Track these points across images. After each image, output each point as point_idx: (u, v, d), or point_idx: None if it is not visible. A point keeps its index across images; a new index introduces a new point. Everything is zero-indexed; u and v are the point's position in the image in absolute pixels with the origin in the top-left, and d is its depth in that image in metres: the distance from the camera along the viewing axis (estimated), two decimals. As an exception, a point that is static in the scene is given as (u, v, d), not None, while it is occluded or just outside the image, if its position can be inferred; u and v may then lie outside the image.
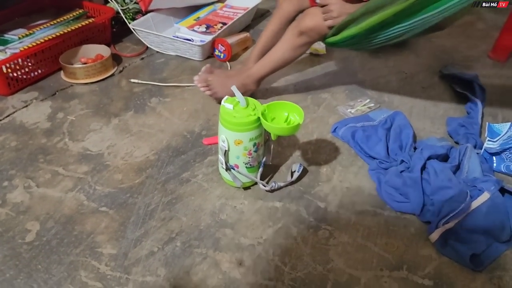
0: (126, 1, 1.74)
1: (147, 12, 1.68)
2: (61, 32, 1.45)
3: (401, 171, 1.05)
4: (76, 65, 1.42)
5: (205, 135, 1.22)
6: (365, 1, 1.09)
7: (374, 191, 1.06)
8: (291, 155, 1.17)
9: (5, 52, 1.37)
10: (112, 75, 1.48)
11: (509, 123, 1.16)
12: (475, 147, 1.14)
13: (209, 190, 1.05)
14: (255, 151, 0.99)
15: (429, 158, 1.06)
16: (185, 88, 1.42)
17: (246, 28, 1.82)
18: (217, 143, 1.01)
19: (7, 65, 1.31)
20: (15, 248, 0.90)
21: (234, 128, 0.94)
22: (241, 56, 1.63)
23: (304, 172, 1.11)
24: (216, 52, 1.58)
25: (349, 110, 1.32)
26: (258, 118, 0.94)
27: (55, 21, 1.51)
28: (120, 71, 1.51)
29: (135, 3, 1.71)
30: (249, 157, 0.99)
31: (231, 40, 1.57)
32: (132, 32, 1.63)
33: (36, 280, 0.85)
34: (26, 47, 1.36)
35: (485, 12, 2.00)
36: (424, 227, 0.98)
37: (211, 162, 1.13)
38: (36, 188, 1.04)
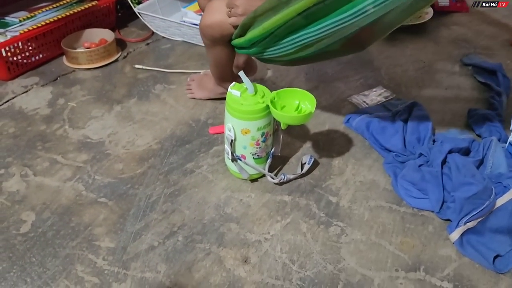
0: (132, -16, 1.69)
1: (153, -5, 1.63)
2: (63, 15, 1.41)
3: (420, 165, 0.98)
4: (78, 50, 1.37)
5: (211, 124, 1.17)
6: None
7: (389, 186, 1.00)
8: (301, 147, 1.11)
9: (5, 35, 1.33)
10: (116, 60, 1.43)
11: (536, 115, 1.08)
12: (499, 140, 1.07)
13: (214, 182, 1.00)
14: (263, 141, 0.94)
15: (450, 151, 0.99)
16: (191, 75, 1.37)
17: (256, 14, 1.76)
18: (223, 132, 0.96)
19: (7, 48, 1.27)
20: (9, 239, 0.86)
21: (241, 116, 0.89)
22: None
23: (315, 164, 1.05)
24: (225, 38, 1.52)
25: (363, 100, 1.26)
26: (267, 106, 0.89)
27: (57, 4, 1.47)
28: (124, 57, 1.46)
29: (141, -14, 1.66)
30: (257, 148, 0.94)
31: (240, 25, 1.51)
32: (137, 17, 1.58)
33: (30, 273, 0.80)
34: (26, 30, 1.32)
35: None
36: (444, 225, 0.91)
37: (217, 152, 1.08)
38: (33, 177, 1.00)
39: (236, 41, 0.99)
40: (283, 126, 0.92)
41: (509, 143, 1.05)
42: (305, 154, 1.03)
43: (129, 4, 1.60)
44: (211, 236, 0.88)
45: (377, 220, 0.93)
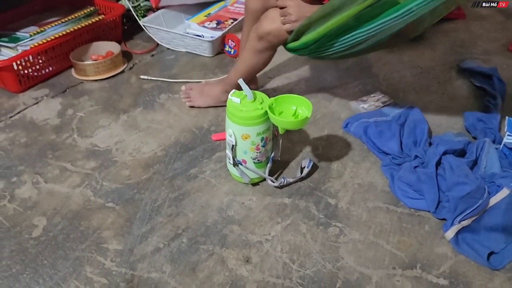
0: (137, -1, 1.75)
1: (158, 8, 1.68)
2: (72, 29, 1.45)
3: (415, 167, 1.01)
4: (86, 62, 1.42)
5: (214, 131, 1.21)
6: (323, 3, 1.02)
7: (387, 188, 1.03)
8: (301, 151, 1.14)
9: (17, 49, 1.38)
10: (122, 72, 1.47)
11: (530, 117, 1.11)
12: (494, 142, 1.10)
13: (216, 186, 1.04)
14: (263, 146, 0.97)
15: (444, 153, 1.02)
16: (186, 84, 1.40)
17: (257, 24, 1.80)
18: (225, 139, 0.99)
19: (18, 62, 1.32)
20: (22, 243, 0.90)
21: (241, 122, 0.92)
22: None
23: (315, 168, 1.08)
24: (226, 48, 1.56)
25: (361, 106, 1.29)
26: (266, 112, 0.92)
27: (66, 19, 1.51)
28: (130, 68, 1.50)
29: (146, 0, 1.71)
30: (257, 152, 0.97)
31: (242, 35, 1.55)
32: (143, 29, 1.63)
33: (42, 275, 0.84)
34: (37, 44, 1.36)
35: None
36: (439, 224, 0.94)
37: (219, 158, 1.11)
38: (44, 184, 1.04)
39: (291, 45, 1.08)
40: (281, 131, 0.95)
41: (504, 144, 1.08)
42: (305, 158, 1.06)
43: (135, 17, 1.65)
44: (214, 238, 0.91)
45: (375, 220, 0.95)
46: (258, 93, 0.96)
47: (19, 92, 1.36)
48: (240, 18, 1.65)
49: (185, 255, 0.88)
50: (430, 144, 1.10)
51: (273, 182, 1.01)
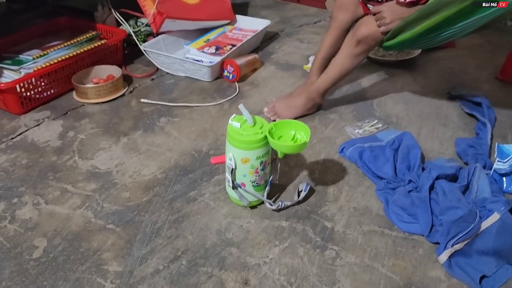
0: (138, 24, 1.79)
1: (158, 34, 1.72)
2: (74, 53, 1.49)
3: (409, 191, 1.04)
4: (87, 85, 1.45)
5: (213, 154, 1.23)
6: (420, 4, 1.14)
7: (381, 211, 1.05)
8: (298, 175, 1.17)
9: (19, 72, 1.41)
10: (123, 95, 1.50)
11: (519, 144, 1.15)
12: (484, 167, 1.13)
13: (215, 209, 1.05)
14: (262, 170, 1.00)
15: (437, 178, 1.05)
16: (194, 108, 1.44)
17: (255, 50, 1.85)
18: (224, 162, 1.02)
19: (21, 84, 1.35)
20: (22, 264, 0.91)
21: (241, 146, 0.95)
22: (250, 78, 1.65)
23: (311, 191, 1.10)
24: (225, 73, 1.60)
25: (356, 131, 1.32)
26: (265, 137, 0.95)
27: (69, 42, 1.55)
28: (131, 92, 1.53)
29: (146, 25, 1.76)
30: (256, 176, 1.00)
31: (240, 61, 1.60)
32: (143, 54, 1.66)
33: (42, 297, 0.85)
34: (39, 67, 1.39)
35: (493, 34, 2.00)
36: (433, 248, 0.96)
37: (218, 181, 1.13)
38: (45, 205, 1.06)
39: (387, 43, 1.24)
40: (280, 155, 0.98)
41: (494, 170, 1.12)
42: (302, 182, 1.09)
43: (136, 42, 1.69)
44: (213, 260, 0.93)
45: (370, 244, 0.97)
46: (258, 118, 0.99)
47: (21, 114, 1.39)
48: (238, 45, 1.70)
49: (185, 277, 0.89)
50: (423, 169, 1.13)
51: (271, 205, 1.03)
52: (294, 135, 0.99)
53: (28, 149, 1.24)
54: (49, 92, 1.45)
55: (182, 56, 1.66)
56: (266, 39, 1.97)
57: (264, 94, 1.54)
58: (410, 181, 1.07)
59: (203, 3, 1.84)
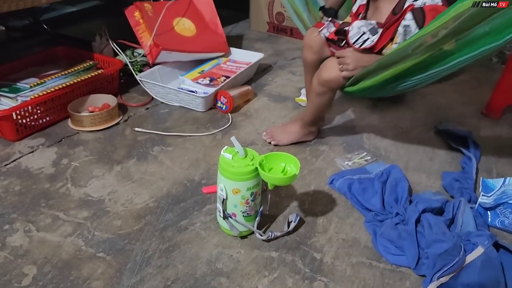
0: (134, 54, 1.84)
1: (154, 64, 1.77)
2: (71, 82, 1.51)
3: (396, 224, 1.06)
4: (83, 114, 1.47)
5: (205, 184, 1.25)
6: (374, 52, 1.18)
7: (370, 243, 1.07)
8: (288, 206, 1.19)
9: (16, 100, 1.43)
10: (117, 123, 1.53)
11: (503, 179, 1.18)
12: (469, 201, 1.16)
13: (206, 238, 1.07)
14: (253, 200, 1.02)
15: (423, 211, 1.07)
16: (187, 137, 1.47)
17: (248, 82, 1.90)
18: (216, 192, 1.03)
19: (17, 112, 1.37)
20: (10, 292, 0.91)
21: (233, 177, 0.97)
22: (243, 108, 1.68)
23: (301, 222, 1.12)
24: (219, 104, 1.64)
25: (346, 163, 1.35)
26: (256, 168, 0.97)
27: (66, 72, 1.58)
28: (125, 120, 1.56)
29: (143, 56, 1.80)
30: (246, 206, 1.01)
31: (233, 92, 1.64)
32: (138, 84, 1.70)
33: (29, 326, 0.84)
34: (36, 95, 1.42)
35: (479, 70, 2.08)
36: (420, 280, 0.97)
37: (210, 210, 1.15)
38: (36, 232, 1.06)
39: (348, 89, 1.26)
40: (270, 187, 1.00)
41: (479, 204, 1.15)
42: (292, 213, 1.11)
43: (132, 72, 1.73)
44: (203, 290, 0.93)
45: (358, 275, 0.99)
46: (249, 150, 1.02)
47: (16, 141, 1.40)
48: (232, 76, 1.74)
49: (174, 307, 0.89)
50: (411, 201, 1.16)
51: (261, 235, 1.04)
52: (284, 168, 1.01)
53: (22, 175, 1.25)
54: (44, 120, 1.47)
55: (177, 87, 1.70)
56: (260, 71, 2.02)
57: (257, 125, 1.57)
58: (397, 213, 1.09)
59: (199, 36, 1.89)
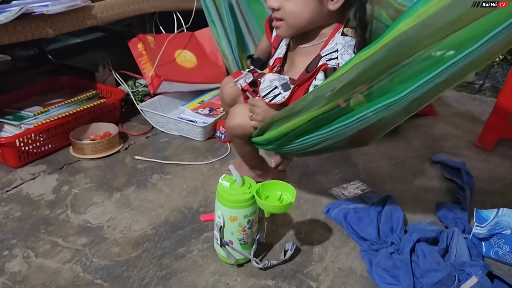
0: (136, 84, 1.89)
1: (155, 94, 1.81)
2: (74, 111, 1.55)
3: (391, 253, 1.07)
4: (84, 141, 1.50)
5: (202, 211, 1.27)
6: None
7: (365, 273, 1.08)
8: (284, 234, 1.20)
9: (20, 127, 1.46)
10: (118, 151, 1.56)
11: (496, 209, 1.20)
12: (464, 231, 1.18)
13: (203, 266, 1.07)
14: (249, 228, 1.03)
15: (418, 240, 1.09)
16: (186, 166, 1.49)
17: (247, 112, 1.94)
18: (213, 219, 1.05)
19: (20, 139, 1.40)
20: (7, 318, 0.91)
21: (230, 204, 0.99)
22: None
23: (297, 251, 1.13)
24: (217, 134, 1.68)
25: (342, 192, 1.38)
26: (253, 196, 1.00)
27: (69, 100, 1.63)
28: (126, 148, 1.59)
29: (144, 86, 1.85)
30: (243, 234, 1.03)
31: (232, 122, 1.67)
32: (139, 113, 1.74)
33: None
34: (40, 123, 1.45)
35: (472, 103, 2.13)
36: (415, 310, 0.98)
37: (207, 238, 1.16)
38: (35, 258, 1.07)
39: (255, 139, 1.18)
40: (266, 215, 1.02)
41: (472, 234, 1.16)
42: (288, 241, 1.12)
43: (133, 101, 1.78)
44: (199, 318, 0.94)
45: (354, 304, 0.99)
46: (246, 178, 1.05)
47: (18, 167, 1.42)
48: (231, 107, 1.79)
49: (170, 334, 0.89)
50: (406, 231, 1.17)
51: (258, 263, 1.05)
52: (280, 196, 1.04)
53: (22, 202, 1.27)
54: (46, 147, 1.50)
55: (177, 116, 1.73)
56: (258, 102, 2.06)
57: (254, 154, 1.60)
58: (392, 243, 1.11)
59: (199, 67, 1.95)
